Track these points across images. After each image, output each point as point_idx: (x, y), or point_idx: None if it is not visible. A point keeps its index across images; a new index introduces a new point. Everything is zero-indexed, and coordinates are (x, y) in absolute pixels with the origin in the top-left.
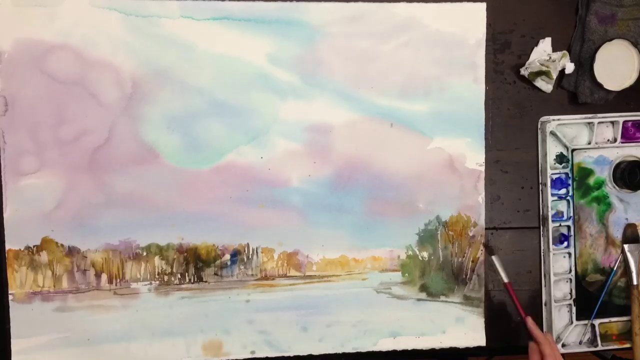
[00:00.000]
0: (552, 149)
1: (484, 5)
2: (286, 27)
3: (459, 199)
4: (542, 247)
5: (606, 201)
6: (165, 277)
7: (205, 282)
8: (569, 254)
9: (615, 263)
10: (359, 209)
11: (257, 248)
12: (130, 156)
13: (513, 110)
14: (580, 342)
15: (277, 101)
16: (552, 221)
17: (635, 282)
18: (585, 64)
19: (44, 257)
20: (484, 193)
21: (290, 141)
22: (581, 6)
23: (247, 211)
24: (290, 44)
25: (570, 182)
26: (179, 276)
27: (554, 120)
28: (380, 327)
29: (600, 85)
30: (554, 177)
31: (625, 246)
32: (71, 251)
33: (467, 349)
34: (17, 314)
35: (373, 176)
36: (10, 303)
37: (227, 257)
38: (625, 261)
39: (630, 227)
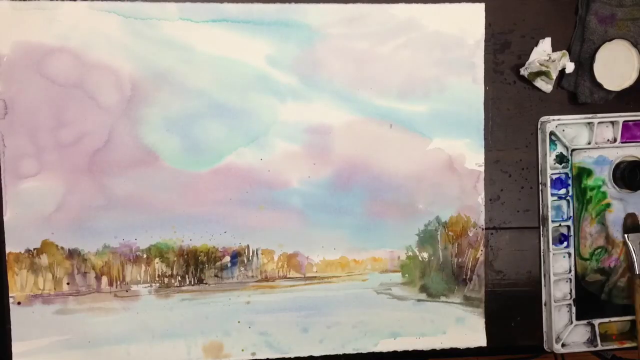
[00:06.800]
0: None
1: (482, 5)
2: (285, 28)
3: (458, 199)
4: (542, 247)
5: (606, 201)
6: (166, 279)
7: (206, 284)
8: (569, 254)
9: (615, 263)
10: (359, 210)
11: (257, 250)
12: (130, 158)
13: (513, 110)
14: (580, 342)
15: (276, 103)
16: (552, 221)
17: (637, 272)
18: (585, 64)
19: (44, 259)
20: (483, 193)
21: (289, 142)
22: (581, 6)
23: (247, 213)
24: (289, 45)
25: (570, 182)
26: (179, 278)
27: (554, 120)
28: (381, 327)
29: (600, 85)
30: (554, 177)
31: (626, 236)
32: (71, 254)
33: (467, 349)
34: (18, 316)
35: (373, 177)
36: (11, 306)
37: (227, 258)
38: (626, 251)
39: (630, 216)
